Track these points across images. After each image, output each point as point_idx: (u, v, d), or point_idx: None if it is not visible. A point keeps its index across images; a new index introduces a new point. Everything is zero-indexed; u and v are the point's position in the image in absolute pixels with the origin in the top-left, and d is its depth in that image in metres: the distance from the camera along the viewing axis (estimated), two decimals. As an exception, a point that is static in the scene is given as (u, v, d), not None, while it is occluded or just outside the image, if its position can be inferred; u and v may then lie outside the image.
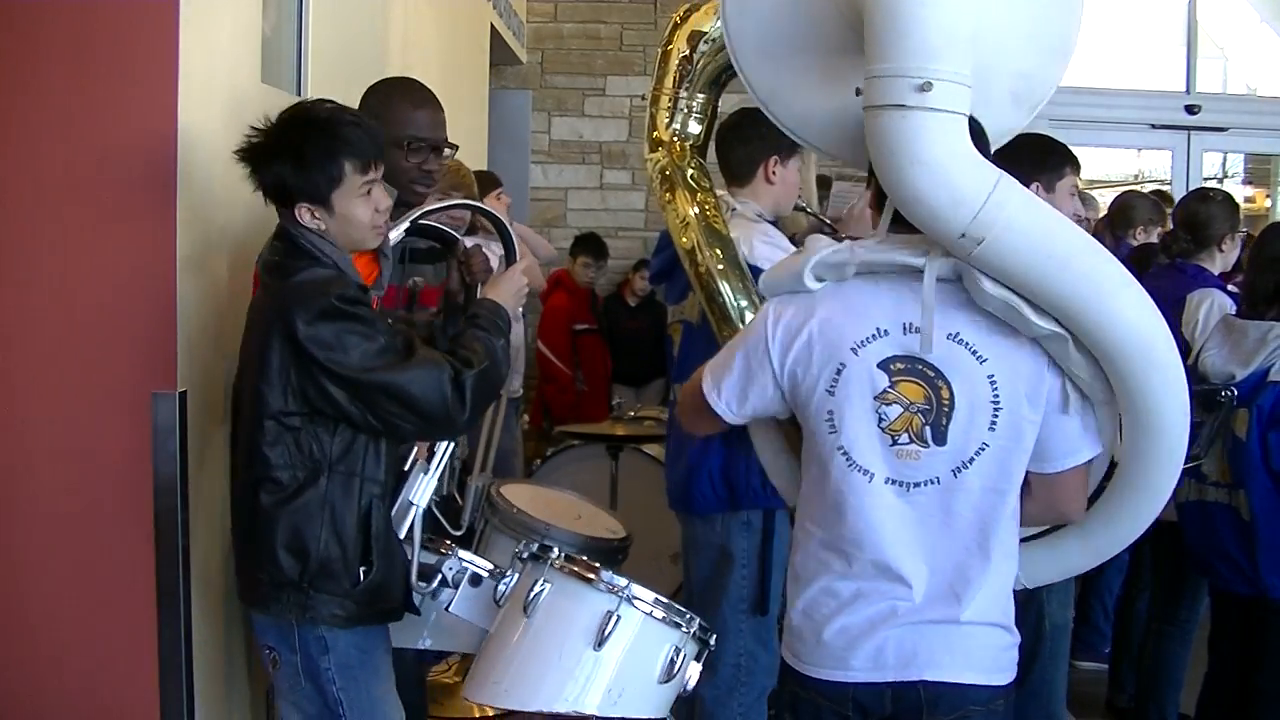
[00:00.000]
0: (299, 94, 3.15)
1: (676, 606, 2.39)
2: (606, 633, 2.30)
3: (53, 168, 2.45)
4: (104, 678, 2.49)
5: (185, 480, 2.47)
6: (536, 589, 2.36)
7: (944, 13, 1.89)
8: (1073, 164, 3.13)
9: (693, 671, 2.39)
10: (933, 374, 2.04)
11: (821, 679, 2.12)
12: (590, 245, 7.30)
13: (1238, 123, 9.01)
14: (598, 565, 2.39)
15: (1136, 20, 8.70)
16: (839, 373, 2.08)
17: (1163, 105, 8.93)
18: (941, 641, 2.07)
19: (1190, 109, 8.89)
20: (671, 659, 2.35)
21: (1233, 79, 10.03)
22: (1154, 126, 8.98)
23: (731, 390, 2.21)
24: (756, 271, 3.21)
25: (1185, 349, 3.63)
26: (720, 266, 3.13)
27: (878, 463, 2.07)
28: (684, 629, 2.38)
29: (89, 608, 2.48)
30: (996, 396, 2.03)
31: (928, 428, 2.05)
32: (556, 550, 2.41)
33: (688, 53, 3.26)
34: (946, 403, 2.04)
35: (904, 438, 2.06)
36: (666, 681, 2.35)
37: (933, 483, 2.06)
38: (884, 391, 2.06)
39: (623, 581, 2.34)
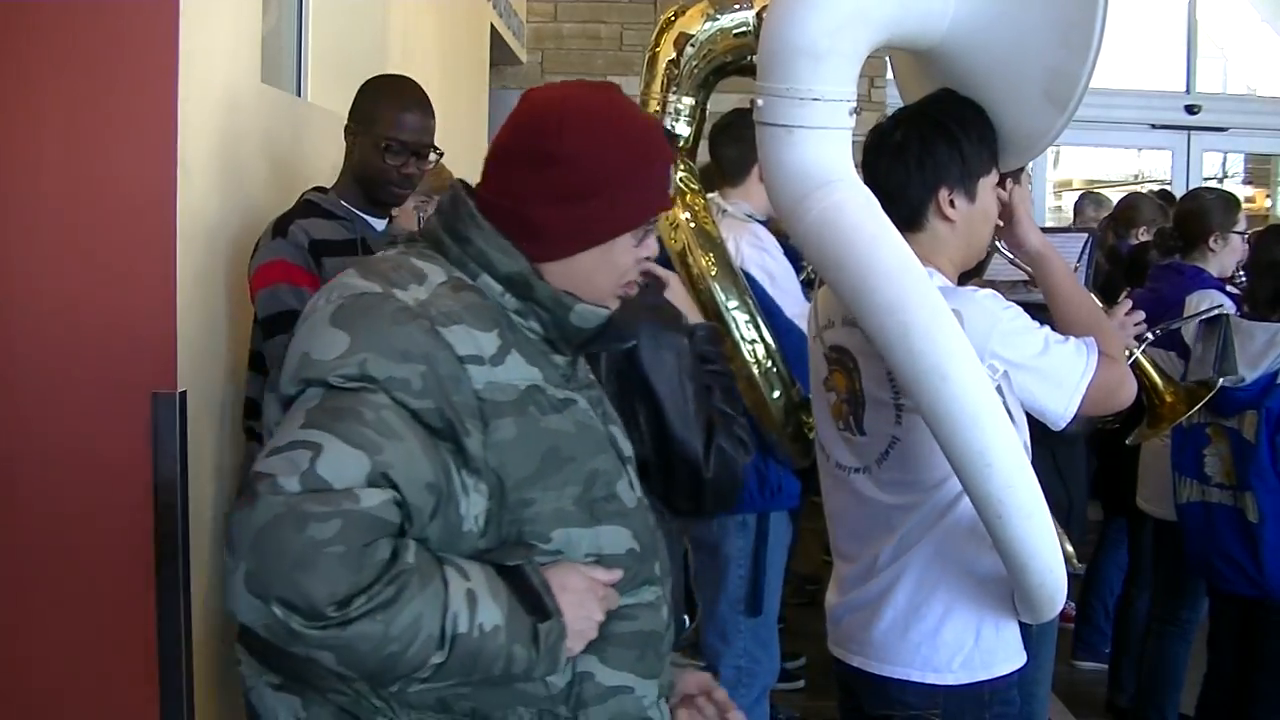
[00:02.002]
0: (299, 94, 3.15)
1: None
2: None
3: (52, 167, 2.45)
4: (104, 678, 2.48)
5: (185, 480, 2.47)
6: None
7: (771, 31, 1.99)
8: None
9: None
10: (852, 365, 2.12)
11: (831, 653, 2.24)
12: (590, 245, 7.30)
13: (1238, 123, 9.03)
14: None
15: (1136, 20, 8.71)
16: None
17: (1163, 105, 8.95)
18: (860, 628, 2.13)
19: (1190, 109, 8.90)
20: None
21: (1233, 79, 10.04)
22: (1154, 126, 9.00)
23: None
24: (745, 276, 3.23)
25: (1185, 351, 3.64)
26: (712, 269, 3.15)
27: (830, 445, 2.22)
28: None
29: (88, 608, 2.48)
30: (896, 392, 2.05)
31: (852, 417, 2.14)
32: None
33: (675, 56, 3.26)
34: (860, 394, 2.11)
35: (840, 424, 2.17)
36: None
37: (861, 470, 2.13)
38: (824, 379, 2.20)
39: None
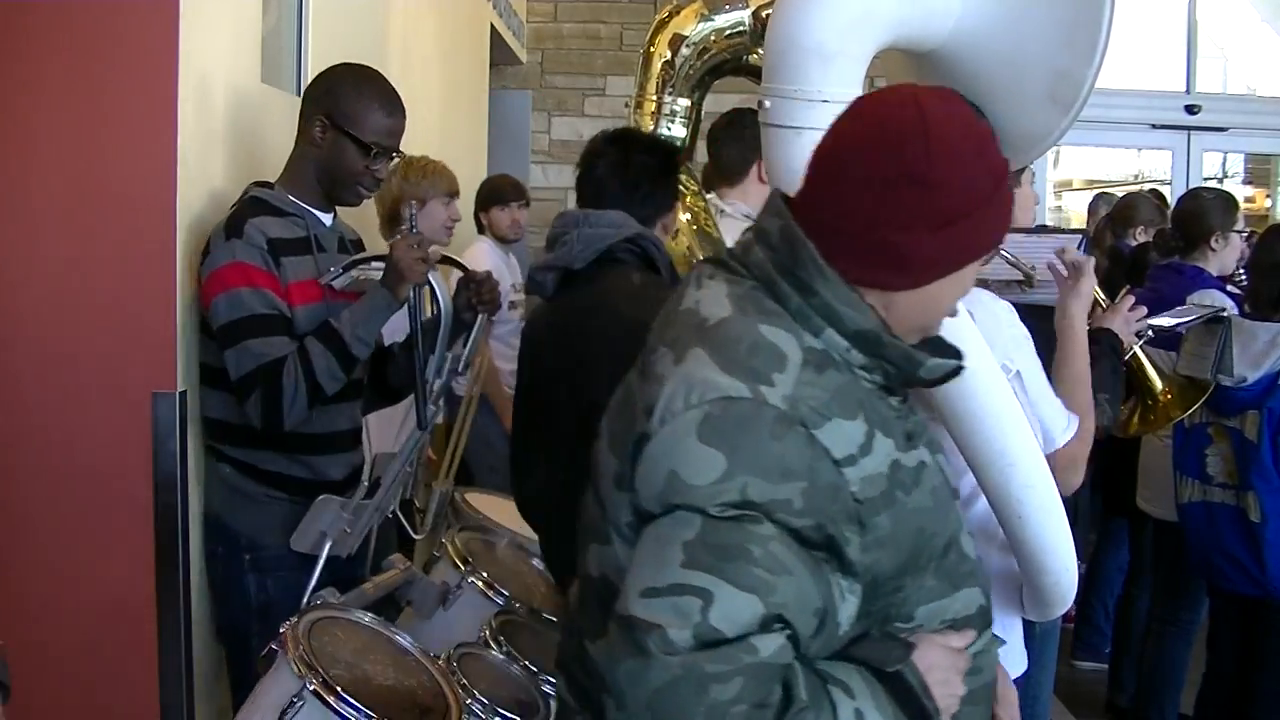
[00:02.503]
0: (299, 94, 3.15)
1: None
2: None
3: (52, 167, 2.45)
4: (104, 677, 2.48)
5: (185, 480, 2.47)
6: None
7: (778, 32, 1.99)
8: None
9: None
10: None
11: None
12: (590, 245, 7.29)
13: (1238, 123, 9.01)
14: None
15: (1136, 20, 8.69)
16: None
17: (1163, 105, 8.93)
18: None
19: (1190, 109, 8.89)
20: None
21: (1233, 79, 10.02)
22: (1154, 126, 8.98)
23: None
24: None
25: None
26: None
27: None
28: None
29: (89, 608, 2.48)
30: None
31: None
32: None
33: (669, 57, 3.24)
34: None
35: None
36: None
37: None
38: None
39: None
